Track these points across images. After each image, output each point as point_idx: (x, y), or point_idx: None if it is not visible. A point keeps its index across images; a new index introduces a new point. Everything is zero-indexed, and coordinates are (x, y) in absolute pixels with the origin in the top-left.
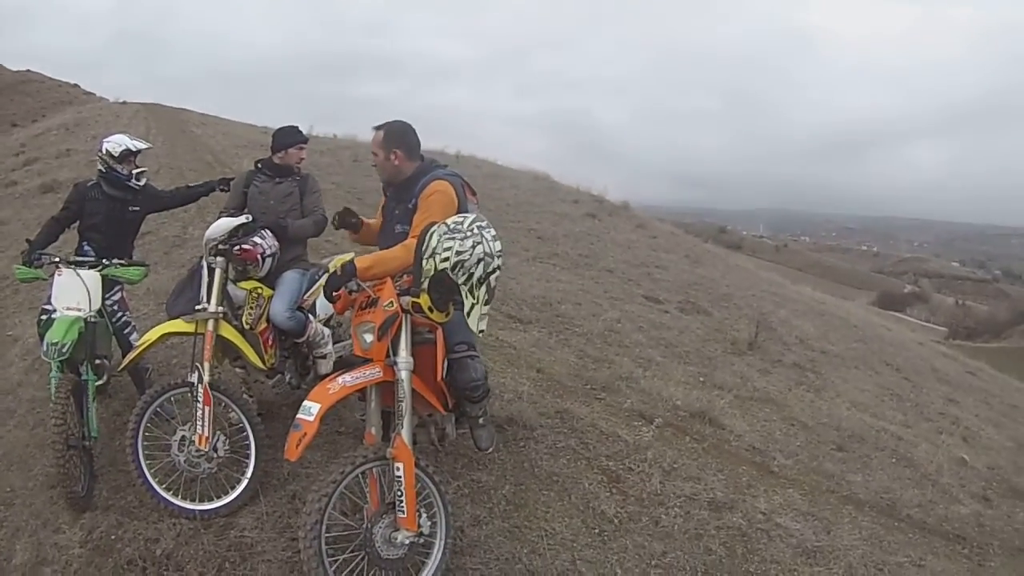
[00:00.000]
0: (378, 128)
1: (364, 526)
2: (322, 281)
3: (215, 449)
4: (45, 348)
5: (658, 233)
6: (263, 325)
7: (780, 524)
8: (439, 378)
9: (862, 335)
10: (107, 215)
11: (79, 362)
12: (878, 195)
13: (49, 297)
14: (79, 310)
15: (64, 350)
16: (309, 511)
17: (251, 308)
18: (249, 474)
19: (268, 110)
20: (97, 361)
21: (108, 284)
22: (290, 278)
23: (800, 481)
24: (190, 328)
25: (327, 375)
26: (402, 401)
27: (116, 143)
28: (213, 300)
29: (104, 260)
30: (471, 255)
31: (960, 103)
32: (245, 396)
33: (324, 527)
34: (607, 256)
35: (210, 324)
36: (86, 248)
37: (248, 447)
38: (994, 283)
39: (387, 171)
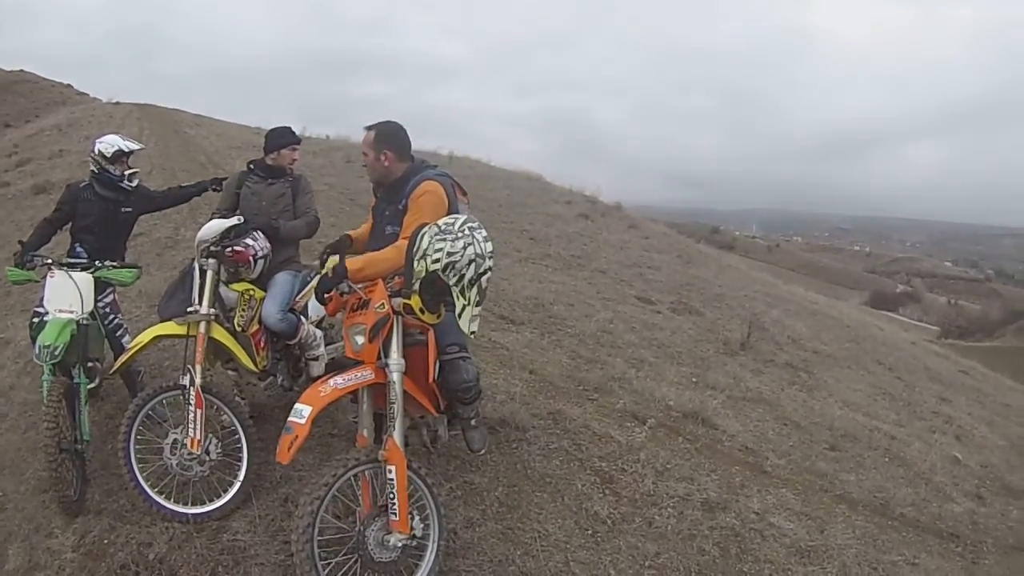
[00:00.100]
0: (369, 128)
1: (357, 529)
2: (314, 283)
3: (207, 452)
4: (37, 351)
5: (651, 234)
6: (255, 327)
7: (773, 524)
8: (431, 380)
9: (855, 335)
10: (100, 216)
11: (71, 365)
12: (871, 195)
13: (41, 299)
14: (71, 312)
15: (56, 353)
16: (302, 514)
17: (243, 310)
18: (241, 477)
19: (262, 110)
20: (89, 364)
21: (100, 286)
22: (282, 280)
23: (793, 481)
24: (182, 330)
25: (319, 377)
26: (394, 403)
27: (108, 144)
28: (205, 302)
29: (96, 262)
30: (462, 256)
31: (954, 103)
32: (237, 399)
33: (317, 530)
34: (600, 257)
35: (202, 326)
36: (78, 249)
37: (240, 450)
38: (986, 282)
39: (377, 172)
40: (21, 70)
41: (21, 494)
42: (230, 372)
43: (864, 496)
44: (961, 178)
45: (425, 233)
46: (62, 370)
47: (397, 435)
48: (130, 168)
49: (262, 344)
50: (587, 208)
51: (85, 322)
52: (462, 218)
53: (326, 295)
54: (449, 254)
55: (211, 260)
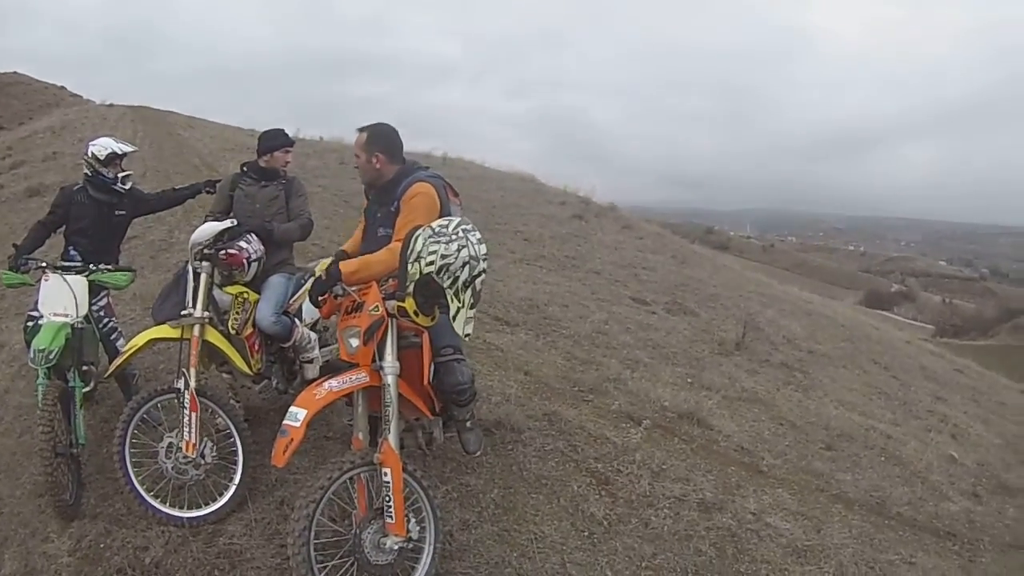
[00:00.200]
0: (361, 130)
1: (353, 532)
2: (308, 285)
3: (202, 455)
4: (32, 355)
5: (645, 234)
6: (249, 330)
7: (770, 524)
8: (426, 382)
9: (849, 334)
10: (93, 219)
11: (66, 369)
12: (866, 195)
13: (36, 303)
14: (66, 316)
15: (51, 357)
16: (297, 517)
17: (237, 313)
18: (237, 480)
19: (256, 112)
20: (84, 367)
21: (94, 290)
22: (276, 282)
23: (789, 481)
24: (176, 334)
25: (314, 380)
26: (389, 406)
27: (102, 146)
28: (199, 305)
29: (91, 265)
30: (456, 259)
31: (949, 102)
32: (232, 402)
33: (313, 533)
34: (594, 257)
35: (196, 329)
36: (72, 252)
37: (235, 453)
38: (981, 281)
39: (369, 174)
40: (14, 72)
41: (16, 498)
42: (224, 375)
43: (860, 495)
44: (956, 177)
45: (419, 235)
46: (57, 374)
47: (392, 438)
48: (123, 171)
49: (256, 347)
50: (581, 209)
51: (80, 326)
52: (456, 220)
53: (320, 297)
54: (443, 256)
55: (205, 263)
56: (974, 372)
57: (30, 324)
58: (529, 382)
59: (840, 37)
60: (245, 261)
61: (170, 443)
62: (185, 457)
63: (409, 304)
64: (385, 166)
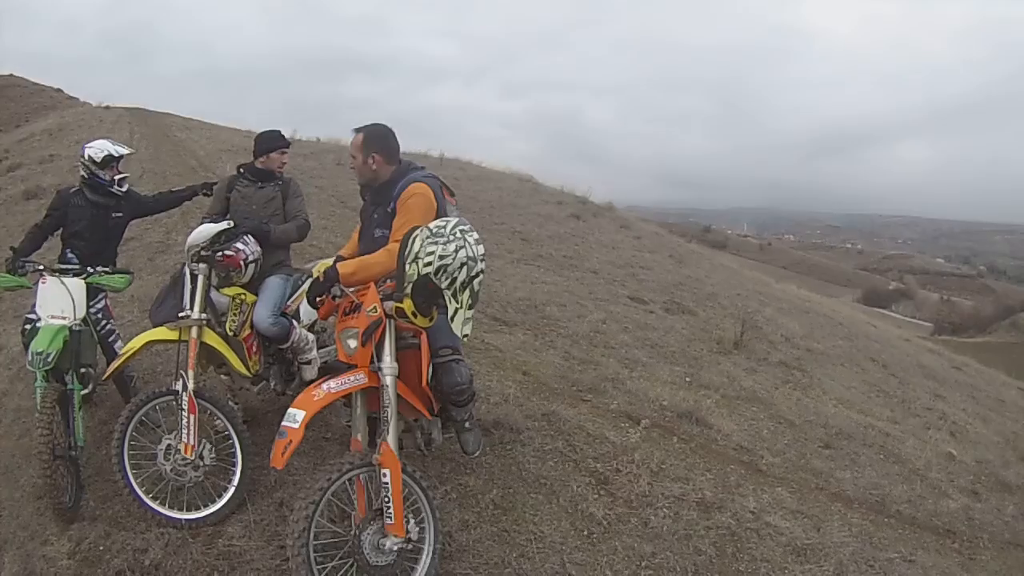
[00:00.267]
0: (358, 131)
1: (352, 533)
2: (305, 286)
3: (201, 457)
4: (30, 357)
5: (642, 233)
6: (247, 331)
7: (769, 523)
8: (424, 383)
9: (847, 332)
10: (90, 221)
11: (64, 371)
12: (863, 193)
13: (33, 305)
14: (64, 318)
15: (49, 359)
16: (297, 518)
17: (234, 314)
18: (236, 482)
19: (252, 113)
20: (82, 370)
21: (92, 292)
22: (273, 284)
23: (788, 479)
24: (174, 335)
25: (312, 381)
26: (387, 407)
27: (98, 149)
28: (196, 307)
29: (88, 268)
30: (454, 259)
31: (946, 100)
32: (230, 403)
33: (312, 534)
34: (591, 257)
35: (194, 331)
36: (69, 255)
37: (234, 455)
38: (979, 279)
39: (365, 175)
40: (10, 74)
41: (16, 501)
42: (223, 377)
43: (860, 494)
44: (953, 175)
45: (417, 236)
46: (55, 376)
47: (391, 439)
48: (120, 173)
49: (254, 348)
50: (578, 208)
51: (78, 328)
52: (454, 221)
53: (318, 298)
54: (441, 257)
55: (202, 264)
56: (973, 369)
57: (28, 327)
58: (527, 382)
59: (837, 34)
60: (242, 262)
61: (168, 445)
62: (184, 459)
63: (407, 305)
64: (382, 167)
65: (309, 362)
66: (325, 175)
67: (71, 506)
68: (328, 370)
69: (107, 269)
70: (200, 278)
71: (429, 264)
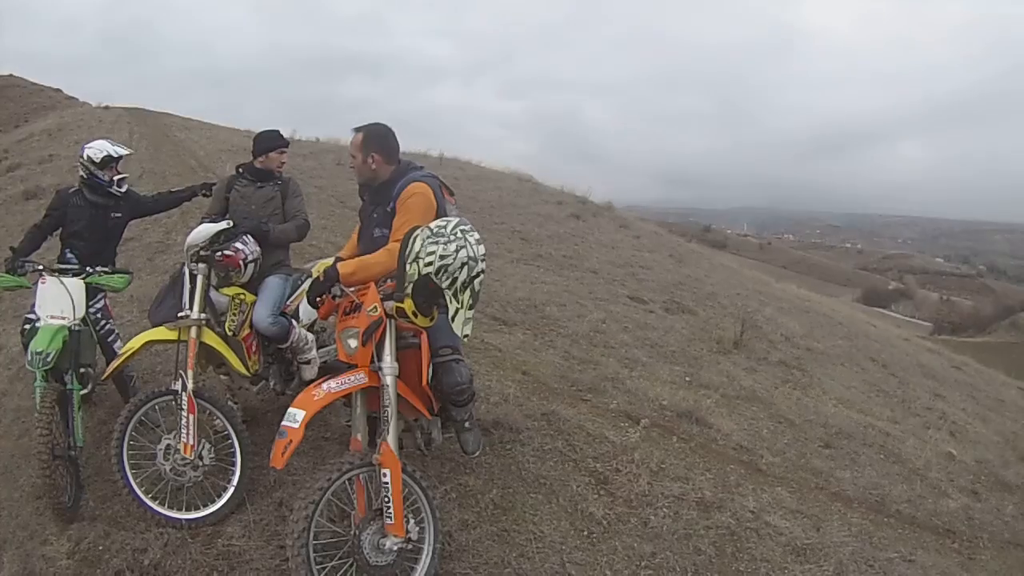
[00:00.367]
0: (358, 130)
1: (352, 533)
2: (305, 286)
3: (200, 457)
4: (29, 357)
5: (642, 233)
6: (246, 331)
7: (769, 522)
8: (424, 382)
9: (847, 332)
10: (89, 222)
11: (64, 371)
12: (863, 193)
13: (33, 305)
14: (63, 318)
15: (49, 359)
16: (296, 518)
17: (234, 314)
18: (235, 482)
19: (252, 113)
20: (82, 370)
21: (91, 292)
22: (273, 283)
23: (788, 479)
24: (173, 335)
25: (312, 381)
26: (387, 406)
27: (97, 149)
28: (196, 307)
29: (88, 268)
30: (455, 259)
31: (945, 99)
32: (230, 403)
33: (312, 534)
34: (591, 257)
35: (193, 331)
36: (69, 255)
37: (234, 455)
38: (978, 278)
39: (364, 174)
40: (10, 74)
41: (15, 501)
42: (222, 376)
43: (859, 493)
44: (951, 175)
45: (417, 236)
46: (55, 376)
47: (391, 438)
48: (119, 173)
49: (253, 348)
50: (578, 208)
51: (77, 328)
52: (454, 221)
53: (318, 298)
54: (442, 257)
55: (201, 264)
56: (972, 369)
57: (27, 327)
58: (527, 382)
59: (837, 32)
60: (241, 262)
61: (168, 445)
62: (183, 459)
63: (408, 305)
64: (381, 166)
65: (308, 362)
66: (324, 175)
67: (70, 506)
68: (328, 370)
69: (106, 269)
70: (199, 278)
71: (430, 264)
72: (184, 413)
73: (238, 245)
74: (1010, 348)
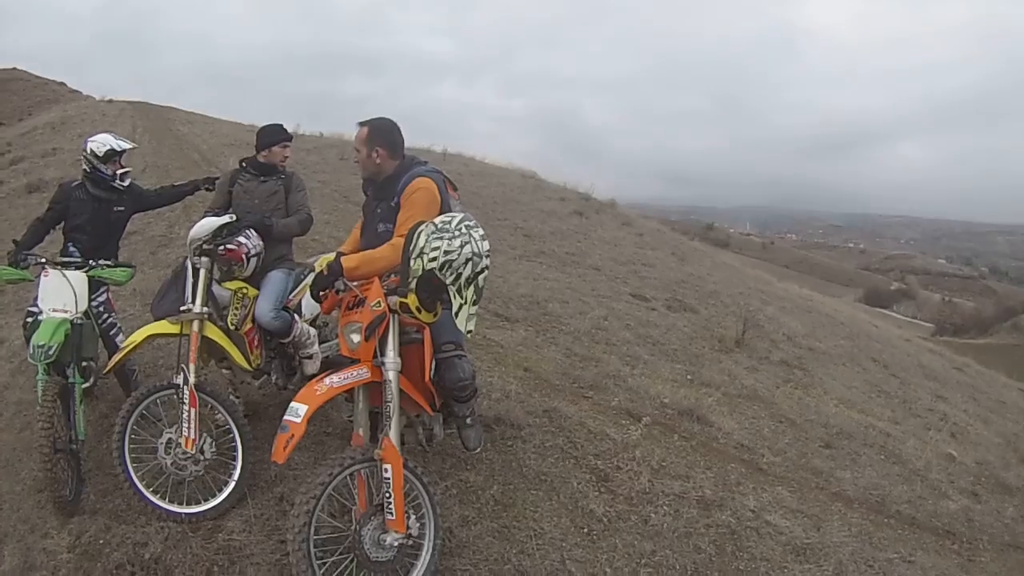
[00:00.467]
0: (362, 124)
1: (353, 528)
2: (308, 281)
3: (202, 451)
4: (31, 350)
5: (644, 231)
6: (248, 325)
7: (769, 522)
8: (427, 378)
9: (849, 332)
10: (92, 215)
11: (66, 364)
12: (865, 193)
13: (35, 299)
14: (65, 312)
15: (51, 352)
16: (297, 513)
17: (236, 308)
18: (236, 476)
19: (256, 108)
20: (84, 363)
21: (94, 285)
22: (275, 278)
23: (789, 478)
24: (175, 329)
25: (314, 376)
26: (390, 402)
27: (100, 143)
28: (198, 301)
29: (90, 261)
30: (459, 255)
31: (948, 100)
32: (231, 397)
33: (312, 529)
34: (594, 254)
35: (195, 325)
36: (71, 249)
37: (235, 449)
38: (980, 280)
39: (369, 169)
40: (14, 68)
41: (16, 494)
42: (224, 371)
43: (860, 493)
44: (953, 176)
45: (422, 231)
46: (56, 369)
47: (393, 434)
48: (122, 167)
49: (256, 342)
50: (581, 205)
51: (79, 321)
52: (459, 216)
53: (321, 293)
54: (446, 252)
55: (204, 258)
56: (973, 370)
57: (29, 320)
58: (529, 378)
59: (839, 30)
60: (244, 256)
61: (169, 439)
62: (184, 453)
63: (411, 300)
64: (386, 161)
65: (311, 356)
66: (328, 170)
67: (71, 500)
68: (330, 364)
69: (109, 263)
70: (202, 272)
71: (434, 259)
72: (186, 407)
73: (241, 239)
74: (1012, 350)
